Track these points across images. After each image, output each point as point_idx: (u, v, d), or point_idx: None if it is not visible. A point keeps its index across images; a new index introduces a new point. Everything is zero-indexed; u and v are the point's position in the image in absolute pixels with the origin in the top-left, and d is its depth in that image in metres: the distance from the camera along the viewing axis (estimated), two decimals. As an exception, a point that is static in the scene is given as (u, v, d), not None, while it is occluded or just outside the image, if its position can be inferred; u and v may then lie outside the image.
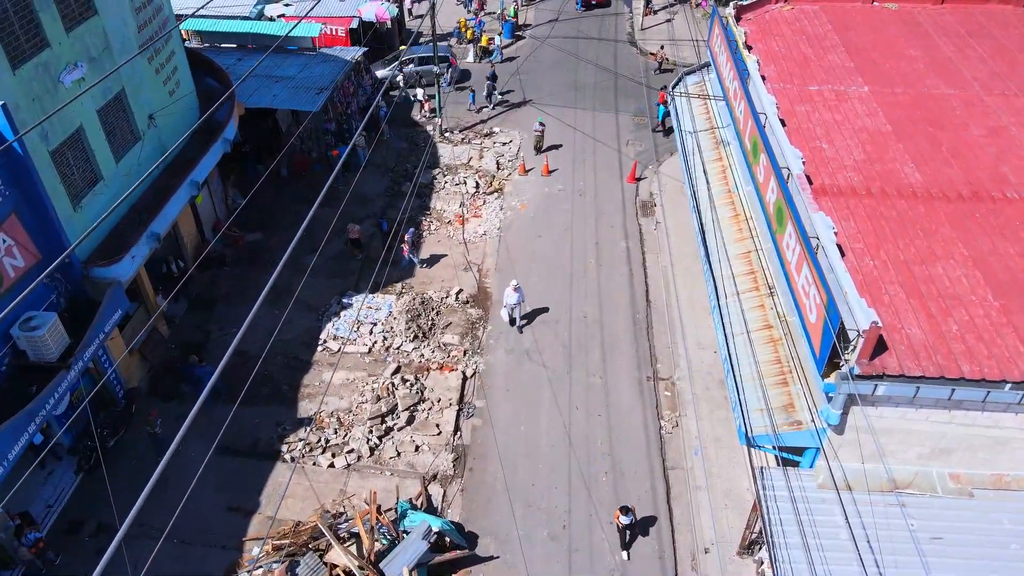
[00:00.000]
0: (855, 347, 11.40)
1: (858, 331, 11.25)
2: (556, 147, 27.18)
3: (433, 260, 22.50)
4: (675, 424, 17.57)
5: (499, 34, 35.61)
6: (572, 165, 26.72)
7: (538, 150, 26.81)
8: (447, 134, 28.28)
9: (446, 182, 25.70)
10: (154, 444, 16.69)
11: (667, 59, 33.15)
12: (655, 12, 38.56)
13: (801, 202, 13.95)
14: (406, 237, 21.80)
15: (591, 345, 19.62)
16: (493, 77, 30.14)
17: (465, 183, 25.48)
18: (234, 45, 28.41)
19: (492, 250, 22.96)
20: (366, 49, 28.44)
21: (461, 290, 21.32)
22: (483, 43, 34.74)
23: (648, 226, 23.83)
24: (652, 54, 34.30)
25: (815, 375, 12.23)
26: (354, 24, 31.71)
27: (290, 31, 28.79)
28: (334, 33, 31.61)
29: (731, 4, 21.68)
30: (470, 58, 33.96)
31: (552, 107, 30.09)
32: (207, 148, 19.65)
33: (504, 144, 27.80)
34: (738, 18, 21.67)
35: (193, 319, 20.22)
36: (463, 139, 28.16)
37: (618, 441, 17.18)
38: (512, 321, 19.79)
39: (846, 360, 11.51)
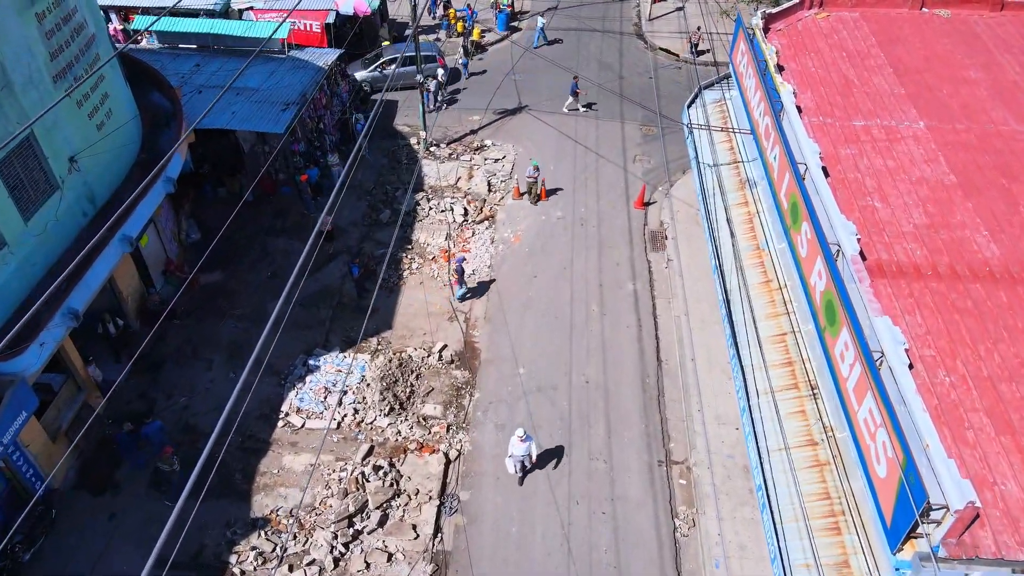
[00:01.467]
0: (940, 522, 8.79)
1: (946, 506, 8.62)
2: (556, 191, 23.58)
3: (414, 307, 19.78)
4: (692, 524, 15.05)
5: (542, 16, 32.38)
6: (573, 185, 23.84)
7: (534, 198, 22.99)
8: (433, 148, 25.31)
9: (431, 208, 22.82)
10: (170, 486, 15.16)
11: (702, 39, 30.37)
12: (664, -1, 35.26)
13: (859, 299, 11.21)
14: (454, 267, 19.48)
15: (594, 418, 17.02)
16: (575, 92, 26.54)
17: (452, 210, 22.61)
18: (194, 46, 25.33)
19: (481, 294, 20.19)
20: (342, 52, 25.29)
21: (445, 346, 18.64)
22: (475, 36, 31.54)
23: (658, 263, 21.05)
24: (666, 50, 31.19)
25: (882, 542, 9.63)
26: (330, 18, 28.49)
27: (273, 33, 25.80)
28: (308, 29, 28.40)
29: (758, 12, 18.61)
30: (461, 55, 30.65)
31: (551, 114, 27.07)
32: (146, 188, 16.76)
33: (496, 160, 24.85)
34: (766, 29, 18.63)
35: (135, 385, 17.52)
36: (451, 154, 25.18)
37: (625, 547, 14.67)
38: (520, 470, 15.63)
39: (926, 534, 8.90)
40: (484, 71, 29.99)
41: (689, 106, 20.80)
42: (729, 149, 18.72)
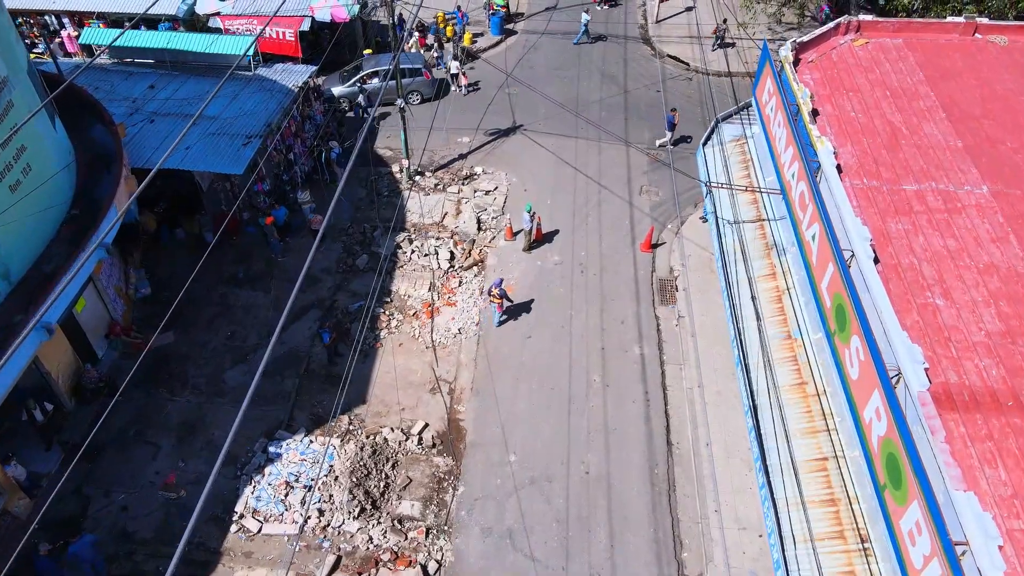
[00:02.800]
0: None
1: None
2: (553, 234, 20.90)
3: (392, 375, 17.48)
4: (709, 661, 12.92)
5: (586, 12, 29.80)
6: (572, 223, 21.39)
7: (528, 245, 20.37)
8: (417, 177, 22.80)
9: (413, 251, 20.37)
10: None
11: (727, 31, 28.15)
12: (672, -3, 32.43)
13: (932, 458, 8.89)
14: (495, 290, 17.54)
15: (595, 520, 14.80)
16: (672, 125, 23.01)
17: (437, 254, 20.19)
18: (151, 61, 22.73)
19: (468, 358, 17.88)
20: (315, 68, 22.68)
21: (426, 425, 16.38)
22: (466, 42, 28.86)
23: (668, 319, 18.69)
24: (675, 58, 28.53)
25: None
26: (305, 25, 25.82)
27: (243, 56, 23.33)
28: (280, 37, 25.74)
29: (788, 43, 16.05)
30: (450, 61, 27.92)
31: (548, 136, 24.54)
32: (76, 255, 14.38)
33: (487, 193, 22.35)
34: (797, 61, 16.10)
35: (69, 478, 15.20)
36: (437, 184, 22.68)
37: None
38: None
39: None
40: (477, 81, 27.37)
41: (704, 143, 18.30)
42: (752, 202, 16.29)
